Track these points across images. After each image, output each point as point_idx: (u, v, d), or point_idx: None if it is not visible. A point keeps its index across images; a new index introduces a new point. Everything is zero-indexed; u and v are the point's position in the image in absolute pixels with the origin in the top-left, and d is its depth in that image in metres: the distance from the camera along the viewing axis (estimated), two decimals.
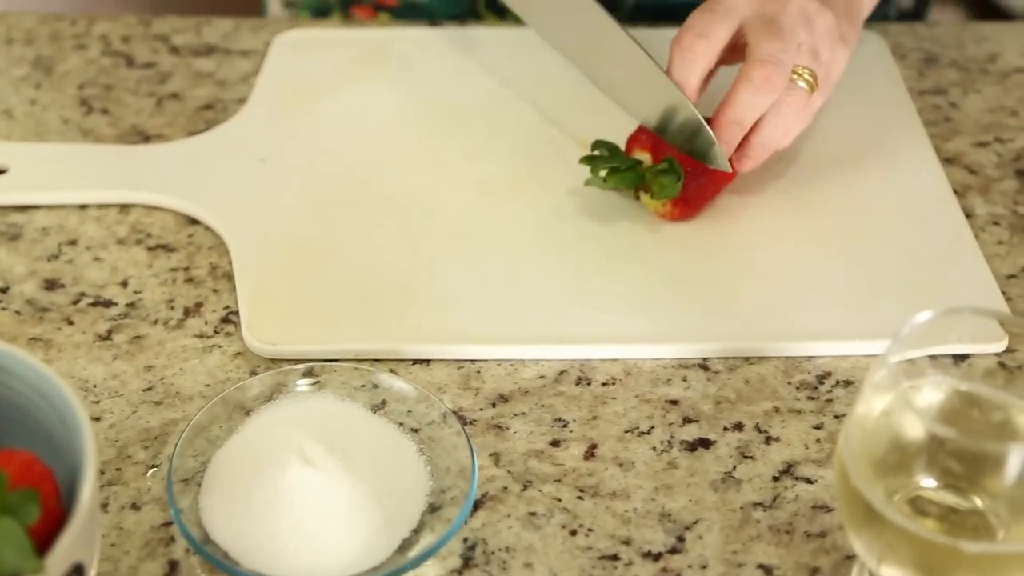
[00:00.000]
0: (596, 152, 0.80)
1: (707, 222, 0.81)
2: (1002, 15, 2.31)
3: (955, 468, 0.57)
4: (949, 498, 0.58)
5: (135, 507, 0.65)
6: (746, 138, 0.78)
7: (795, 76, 0.77)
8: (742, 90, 0.76)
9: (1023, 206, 0.84)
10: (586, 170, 0.80)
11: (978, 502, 0.57)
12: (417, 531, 0.63)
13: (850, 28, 0.82)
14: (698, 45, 0.78)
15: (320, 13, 1.08)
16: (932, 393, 0.60)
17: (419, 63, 0.96)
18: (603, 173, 0.79)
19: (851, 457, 0.57)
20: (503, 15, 1.04)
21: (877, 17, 1.04)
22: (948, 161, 0.87)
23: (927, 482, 0.58)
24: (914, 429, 0.57)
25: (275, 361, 0.73)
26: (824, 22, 0.79)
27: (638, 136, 0.81)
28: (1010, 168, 0.87)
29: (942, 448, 0.55)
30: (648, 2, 1.03)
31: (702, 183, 0.79)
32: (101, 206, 0.83)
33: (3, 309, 0.76)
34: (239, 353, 0.73)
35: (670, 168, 0.78)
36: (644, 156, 0.80)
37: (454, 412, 0.69)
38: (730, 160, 0.78)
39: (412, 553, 0.62)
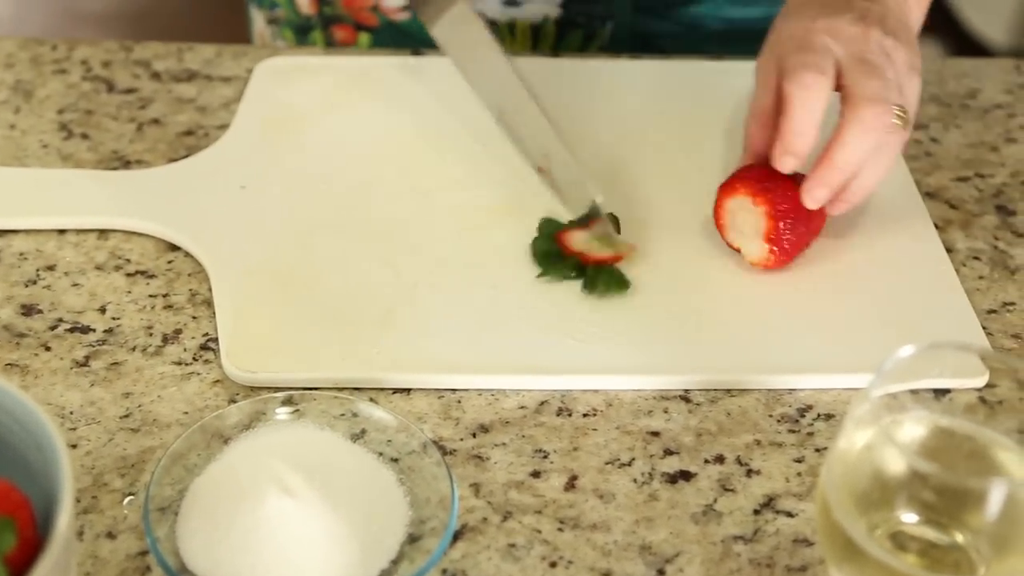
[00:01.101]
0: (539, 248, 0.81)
1: (688, 254, 0.81)
2: (981, 51, 2.33)
3: (936, 503, 0.57)
4: (930, 533, 0.58)
5: (111, 535, 0.65)
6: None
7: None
8: (852, 131, 0.75)
9: (1003, 241, 0.84)
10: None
11: (959, 538, 0.57)
12: (396, 562, 0.62)
13: (916, 56, 0.80)
14: (820, 83, 0.75)
15: (302, 31, 1.08)
16: (913, 428, 0.60)
17: (401, 91, 0.96)
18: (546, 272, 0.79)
19: (833, 491, 0.57)
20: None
21: None
22: (929, 196, 0.88)
23: (908, 517, 0.58)
24: (895, 464, 0.57)
25: (254, 389, 0.72)
26: (901, 56, 0.78)
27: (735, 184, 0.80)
28: (990, 203, 0.88)
29: (923, 483, 0.55)
30: (625, 31, 1.03)
31: (799, 232, 0.78)
32: (80, 231, 0.83)
33: None
34: (218, 381, 0.73)
35: (611, 272, 0.78)
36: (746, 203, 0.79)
37: (434, 442, 0.68)
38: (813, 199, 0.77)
39: None
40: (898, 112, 0.76)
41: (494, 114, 0.86)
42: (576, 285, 0.79)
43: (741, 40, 0.98)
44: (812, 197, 0.77)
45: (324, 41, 1.07)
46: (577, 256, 0.79)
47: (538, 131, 0.83)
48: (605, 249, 0.80)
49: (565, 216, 0.82)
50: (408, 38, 1.04)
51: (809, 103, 0.75)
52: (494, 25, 1.04)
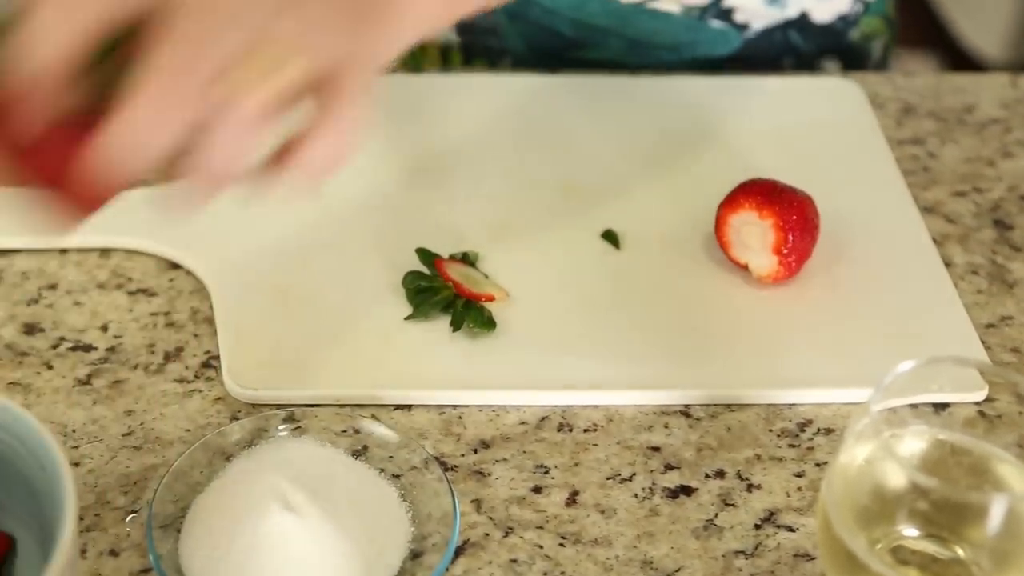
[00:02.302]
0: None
1: (688, 269, 0.82)
2: (975, 65, 2.33)
3: (937, 518, 0.57)
4: (931, 548, 0.58)
5: (114, 553, 0.65)
6: None
7: None
8: None
9: (1001, 256, 0.85)
10: (576, 214, 0.82)
11: (960, 552, 0.57)
12: None
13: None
14: None
15: None
16: (914, 442, 0.60)
17: (402, 108, 0.96)
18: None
19: (833, 506, 0.57)
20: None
21: (812, 71, 1.04)
22: (927, 210, 0.88)
23: (909, 531, 0.58)
24: (896, 478, 0.57)
25: (256, 406, 0.73)
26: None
27: None
28: (988, 218, 0.88)
29: (924, 498, 0.55)
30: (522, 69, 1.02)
31: (806, 241, 0.78)
32: (81, 250, 0.83)
33: None
34: (220, 398, 0.73)
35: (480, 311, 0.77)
36: None
37: (435, 458, 0.69)
38: None
39: None
40: None
41: None
42: (576, 298, 0.79)
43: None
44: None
45: None
46: (452, 285, 0.78)
47: None
48: (480, 286, 0.79)
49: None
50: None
51: None
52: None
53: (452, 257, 0.81)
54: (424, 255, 0.80)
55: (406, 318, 0.77)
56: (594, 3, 0.96)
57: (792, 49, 1.02)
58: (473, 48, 1.02)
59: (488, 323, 0.76)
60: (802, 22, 1.01)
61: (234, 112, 0.54)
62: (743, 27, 0.99)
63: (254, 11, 0.54)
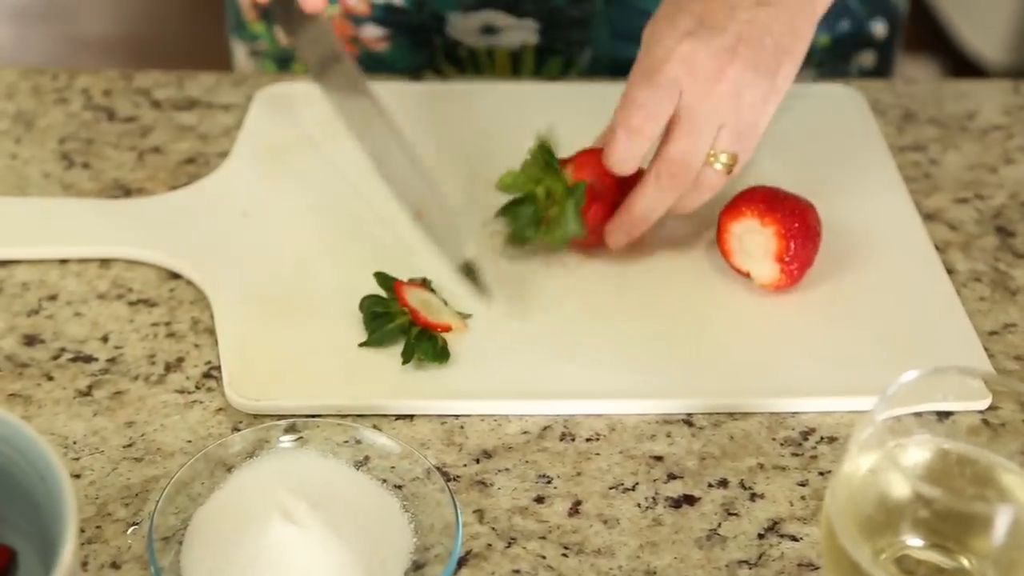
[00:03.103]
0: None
1: (690, 278, 0.82)
2: (976, 70, 2.33)
3: (942, 528, 0.57)
4: (936, 557, 0.58)
5: (115, 566, 0.65)
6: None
7: (711, 160, 0.78)
8: (649, 186, 0.78)
9: (1004, 263, 0.84)
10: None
11: (965, 562, 0.57)
12: None
13: (782, 78, 0.78)
14: (647, 128, 0.77)
15: (283, 62, 1.09)
16: (918, 452, 0.60)
17: (401, 117, 0.96)
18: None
19: (837, 516, 0.57)
20: (462, 68, 1.05)
21: (837, 74, 1.05)
22: (929, 217, 0.88)
23: (914, 541, 0.57)
24: (900, 488, 0.57)
25: (257, 417, 0.72)
26: (754, 95, 0.77)
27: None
28: (990, 225, 0.88)
29: (928, 508, 0.55)
30: (604, 58, 1.03)
31: (808, 249, 0.78)
32: (82, 261, 0.83)
33: None
34: (221, 409, 0.73)
35: (434, 342, 0.76)
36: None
37: (438, 468, 0.68)
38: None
39: None
40: (718, 159, 0.78)
41: (371, 159, 0.84)
42: (578, 307, 0.79)
43: None
44: (612, 240, 0.81)
45: (305, 71, 1.07)
46: (409, 313, 0.76)
47: (411, 176, 0.81)
48: (437, 315, 0.77)
49: (445, 266, 0.79)
50: (388, 68, 1.05)
51: (632, 145, 0.78)
52: (473, 54, 1.04)
53: (412, 281, 0.79)
54: (382, 279, 0.78)
55: (360, 344, 0.76)
56: None
57: (847, 10, 1.04)
58: (550, 48, 1.03)
59: (440, 355, 0.74)
60: None
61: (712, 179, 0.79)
62: None
63: (726, 107, 0.77)
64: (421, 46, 1.04)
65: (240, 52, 1.13)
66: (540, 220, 0.80)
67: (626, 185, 0.80)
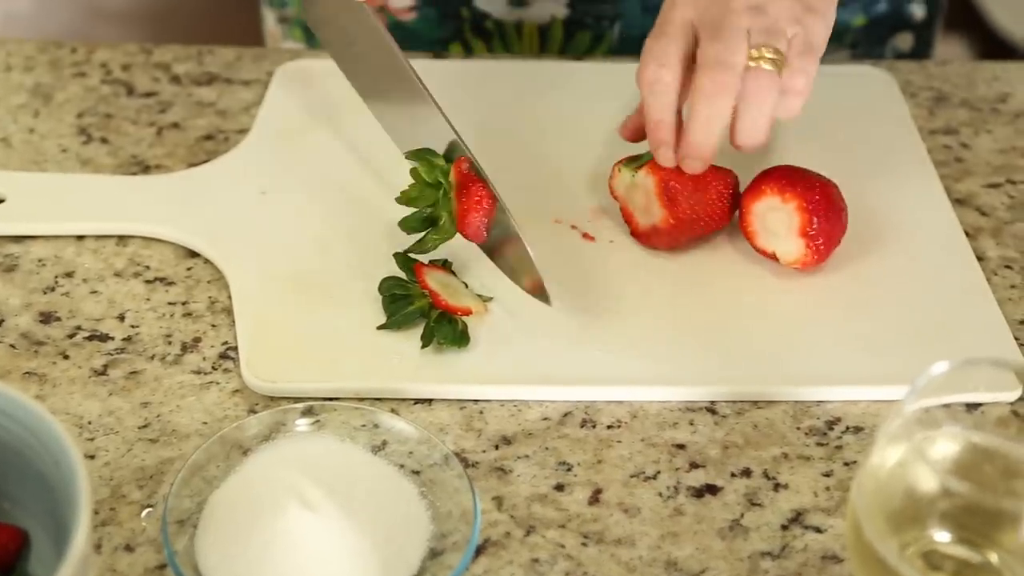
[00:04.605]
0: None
1: (715, 264, 0.80)
2: (1007, 50, 2.31)
3: (970, 522, 0.56)
4: (963, 552, 0.57)
5: (129, 548, 0.64)
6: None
7: (753, 61, 0.75)
8: (698, 103, 0.76)
9: None
10: (599, 204, 0.81)
11: (993, 557, 0.56)
12: None
13: None
14: (664, 75, 0.76)
15: (310, 31, 1.08)
16: (946, 445, 0.59)
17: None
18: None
19: (864, 509, 0.56)
20: (490, 40, 1.04)
21: (873, 56, 1.04)
22: (959, 202, 0.86)
23: (941, 536, 0.56)
24: (928, 482, 0.56)
25: (274, 399, 0.72)
26: (777, 7, 0.76)
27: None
28: (1022, 211, 0.86)
29: (956, 502, 0.54)
30: (634, 33, 1.02)
31: (833, 223, 0.77)
32: (99, 237, 0.82)
33: None
34: (237, 390, 0.72)
35: (454, 325, 0.74)
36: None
37: (456, 454, 0.67)
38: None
39: None
40: (763, 55, 0.75)
41: (373, 109, 0.83)
42: (600, 292, 0.78)
43: None
44: (688, 167, 0.78)
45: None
46: (429, 295, 0.75)
47: (439, 132, 0.79)
48: (458, 298, 0.76)
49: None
50: (415, 39, 1.04)
51: (657, 100, 0.77)
52: (500, 26, 1.03)
53: (433, 263, 0.78)
54: (402, 260, 0.77)
55: (379, 327, 0.74)
56: None
57: None
58: (580, 22, 1.02)
59: (460, 339, 0.73)
60: None
61: (756, 78, 0.75)
62: None
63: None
64: (449, 18, 1.03)
65: (270, 18, 1.12)
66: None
67: (706, 177, 0.78)
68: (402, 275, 0.77)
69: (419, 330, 0.74)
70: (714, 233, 0.81)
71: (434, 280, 0.76)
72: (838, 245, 0.78)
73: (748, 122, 0.76)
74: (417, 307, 0.75)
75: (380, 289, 0.76)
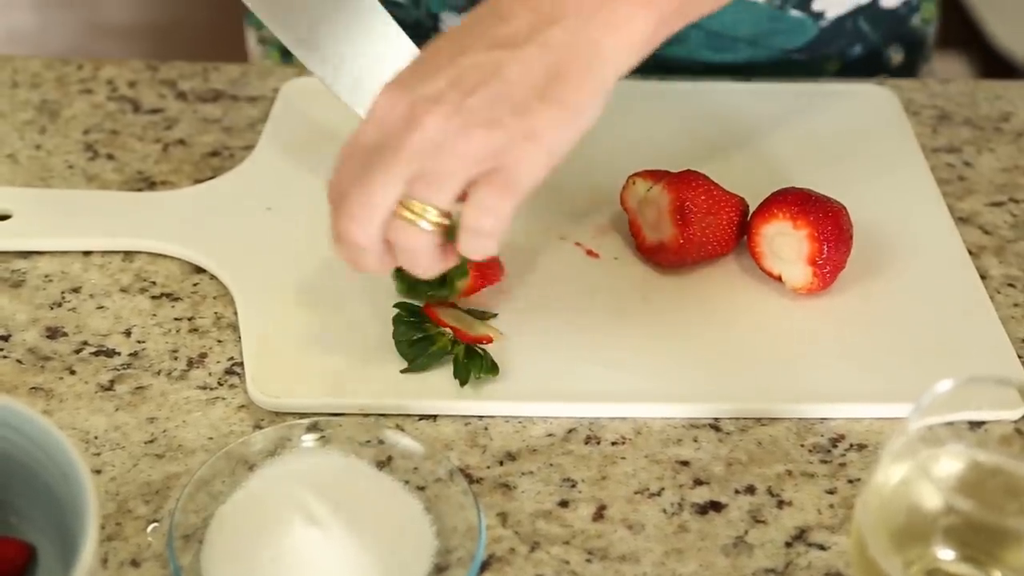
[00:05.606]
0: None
1: (718, 280, 0.81)
2: (1009, 68, 2.31)
3: (974, 540, 0.56)
4: (967, 570, 0.57)
5: (135, 563, 0.64)
6: None
7: (411, 216, 0.64)
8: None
9: None
10: (604, 220, 0.81)
11: (997, 575, 0.56)
12: None
13: (557, 106, 0.65)
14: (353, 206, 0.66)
15: (286, 52, 1.07)
16: (950, 462, 0.59)
17: None
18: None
19: (868, 526, 0.56)
20: None
21: (868, 72, 1.04)
22: (962, 221, 0.87)
23: (945, 553, 0.57)
24: (932, 500, 0.56)
25: (279, 414, 0.72)
26: (469, 144, 0.63)
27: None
28: None
29: (960, 520, 0.54)
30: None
31: (841, 252, 0.77)
32: (105, 253, 0.82)
33: (4, 357, 0.75)
34: (243, 406, 0.72)
35: (483, 357, 0.73)
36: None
37: (461, 470, 0.68)
38: None
39: None
40: (422, 215, 0.64)
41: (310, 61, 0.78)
42: (604, 308, 0.78)
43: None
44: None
45: None
46: (452, 331, 0.75)
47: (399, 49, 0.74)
48: (475, 329, 0.76)
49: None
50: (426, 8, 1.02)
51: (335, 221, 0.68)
52: None
53: (433, 298, 0.77)
54: (407, 307, 0.76)
55: (402, 371, 0.73)
56: None
57: (861, 37, 1.02)
58: None
59: (492, 368, 0.73)
60: (872, 8, 1.01)
61: (413, 236, 0.65)
62: (819, 16, 0.99)
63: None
64: (416, 42, 1.03)
65: (251, 38, 1.12)
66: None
67: (720, 201, 0.79)
68: (403, 312, 0.76)
69: (440, 368, 0.74)
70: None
71: (448, 317, 0.76)
72: (843, 269, 0.78)
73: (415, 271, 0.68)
74: (439, 347, 0.74)
75: (395, 335, 0.75)
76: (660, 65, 0.97)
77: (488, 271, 0.77)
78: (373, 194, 0.64)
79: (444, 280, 0.75)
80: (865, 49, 1.03)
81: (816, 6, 0.99)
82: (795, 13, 0.98)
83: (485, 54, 0.65)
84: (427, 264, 0.67)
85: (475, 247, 0.66)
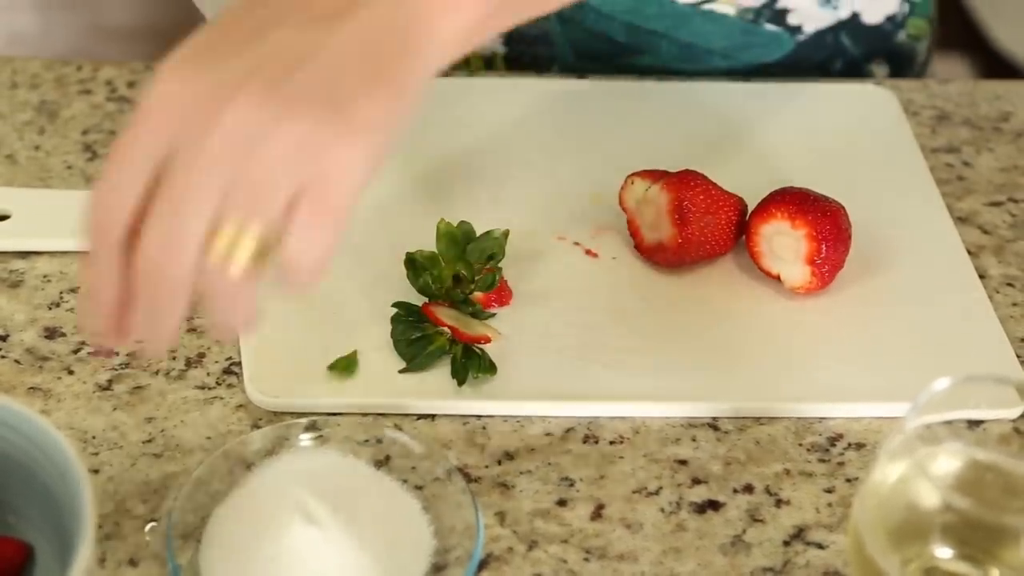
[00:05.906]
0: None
1: (717, 280, 0.81)
2: (1010, 69, 2.31)
3: (971, 538, 0.56)
4: (965, 569, 0.57)
5: (133, 563, 0.64)
6: None
7: (223, 248, 0.55)
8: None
9: None
10: (603, 220, 0.81)
11: (994, 573, 0.56)
12: None
13: (383, 91, 0.56)
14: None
15: None
16: (948, 461, 0.59)
17: (427, 111, 0.95)
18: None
19: (866, 525, 0.56)
20: None
21: (861, 75, 1.03)
22: (961, 221, 0.86)
23: (942, 552, 0.57)
24: (930, 498, 0.56)
25: (277, 414, 0.72)
26: (285, 141, 0.53)
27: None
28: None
29: (958, 518, 0.54)
30: (572, 75, 1.00)
31: (839, 252, 0.77)
32: None
33: (2, 357, 0.75)
34: (241, 405, 0.72)
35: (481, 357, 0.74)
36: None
37: (459, 469, 0.68)
38: None
39: None
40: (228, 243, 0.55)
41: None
42: (603, 308, 0.78)
43: None
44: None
45: None
46: (450, 330, 0.75)
47: None
48: (473, 328, 0.75)
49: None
50: None
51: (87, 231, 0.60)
52: None
53: (434, 300, 0.77)
54: (405, 306, 0.76)
55: (400, 371, 0.73)
56: (651, 5, 0.95)
57: (842, 52, 1.01)
58: (520, 59, 1.01)
59: (490, 367, 0.73)
60: (853, 23, 1.00)
61: (223, 279, 0.55)
62: (796, 30, 0.98)
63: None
64: None
65: None
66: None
67: (718, 201, 0.79)
68: (402, 312, 0.76)
69: (438, 366, 0.74)
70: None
71: (447, 316, 0.75)
72: (841, 268, 0.78)
73: (217, 318, 0.59)
74: (437, 346, 0.74)
75: (393, 334, 0.75)
76: (627, 73, 0.97)
77: (501, 294, 0.77)
78: (182, 215, 0.53)
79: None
80: (846, 64, 1.02)
81: (792, 20, 0.98)
82: (770, 27, 0.97)
83: (296, 30, 0.55)
84: (246, 313, 0.57)
85: (301, 286, 0.56)
